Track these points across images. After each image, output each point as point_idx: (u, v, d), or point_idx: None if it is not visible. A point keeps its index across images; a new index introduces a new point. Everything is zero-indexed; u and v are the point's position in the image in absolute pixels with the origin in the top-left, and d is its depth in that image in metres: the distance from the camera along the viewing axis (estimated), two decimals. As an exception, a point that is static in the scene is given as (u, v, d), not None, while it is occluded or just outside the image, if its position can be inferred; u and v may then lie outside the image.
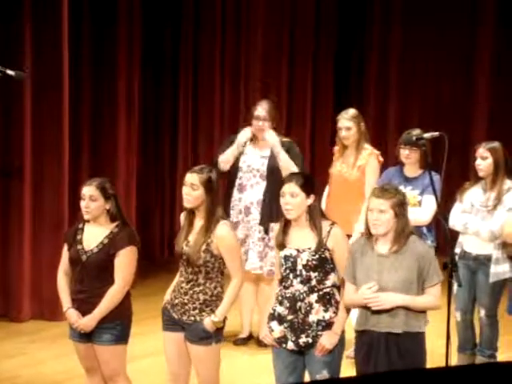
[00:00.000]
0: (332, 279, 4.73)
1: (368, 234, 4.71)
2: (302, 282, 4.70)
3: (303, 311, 4.70)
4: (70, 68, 7.46)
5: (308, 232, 4.73)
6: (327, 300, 4.71)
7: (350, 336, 6.61)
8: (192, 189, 4.83)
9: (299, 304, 4.71)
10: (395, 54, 10.38)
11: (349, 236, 6.48)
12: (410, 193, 6.25)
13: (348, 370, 6.31)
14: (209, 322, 4.83)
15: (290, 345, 4.75)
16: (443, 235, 5.28)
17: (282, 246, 4.78)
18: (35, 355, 6.66)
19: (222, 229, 4.85)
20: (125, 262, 4.93)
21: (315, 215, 4.73)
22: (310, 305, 4.70)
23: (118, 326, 4.95)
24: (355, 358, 4.87)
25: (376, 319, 4.65)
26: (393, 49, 10.39)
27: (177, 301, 4.91)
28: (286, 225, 4.79)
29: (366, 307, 4.67)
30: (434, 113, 10.24)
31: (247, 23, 9.45)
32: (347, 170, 6.63)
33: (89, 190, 4.97)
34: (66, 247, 5.09)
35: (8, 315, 7.46)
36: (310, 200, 4.72)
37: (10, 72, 5.17)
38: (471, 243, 6.16)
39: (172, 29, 9.19)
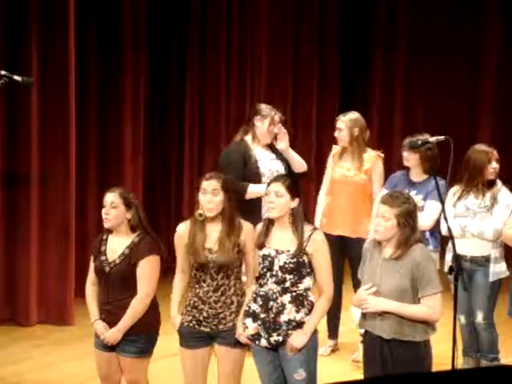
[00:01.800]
0: (307, 283, 4.76)
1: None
2: (276, 283, 4.73)
3: (274, 311, 4.72)
4: (76, 72, 7.48)
5: (289, 234, 4.76)
6: (300, 301, 4.73)
7: (356, 339, 6.66)
8: (213, 195, 4.84)
9: (271, 303, 4.73)
10: (401, 60, 10.39)
11: (356, 239, 6.55)
12: (414, 197, 6.28)
13: (353, 373, 6.35)
14: None
15: (263, 342, 4.77)
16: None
17: (261, 245, 4.81)
18: (42, 360, 6.65)
19: (247, 224, 4.92)
20: (146, 271, 4.90)
21: (298, 218, 4.75)
22: (283, 305, 4.72)
23: (142, 338, 4.92)
24: (364, 357, 4.88)
25: (371, 321, 4.68)
26: (398, 54, 10.40)
27: (205, 313, 4.88)
28: (269, 225, 4.82)
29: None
30: (439, 118, 10.26)
31: (252, 30, 9.44)
32: (354, 174, 6.65)
33: (111, 197, 4.96)
34: (92, 258, 5.08)
35: (15, 319, 7.45)
36: (294, 203, 4.75)
37: (16, 77, 5.18)
38: (465, 246, 6.11)
39: (178, 31, 9.18)
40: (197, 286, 4.90)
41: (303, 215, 4.81)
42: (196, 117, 9.26)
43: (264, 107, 6.62)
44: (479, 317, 6.20)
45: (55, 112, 7.42)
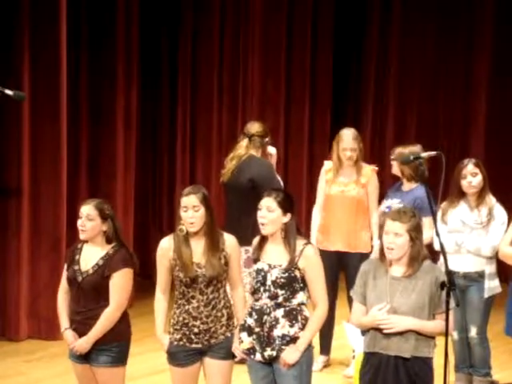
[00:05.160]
0: (300, 298, 4.75)
1: (381, 256, 4.71)
2: (269, 297, 4.74)
3: (268, 325, 4.73)
4: (67, 85, 7.47)
5: (282, 249, 4.77)
6: (293, 316, 4.73)
7: (348, 355, 6.65)
8: (194, 211, 4.83)
9: (265, 318, 4.74)
10: (393, 71, 10.41)
11: (354, 253, 6.57)
12: (394, 204, 6.43)
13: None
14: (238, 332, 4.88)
15: (258, 356, 4.77)
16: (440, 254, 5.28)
17: (256, 260, 4.83)
18: (32, 375, 6.63)
19: (230, 237, 4.91)
20: (119, 283, 4.91)
21: (290, 233, 4.75)
22: (276, 319, 4.72)
23: (114, 347, 4.93)
24: (361, 380, 4.82)
25: (386, 342, 4.62)
26: (390, 66, 10.42)
27: (196, 330, 4.86)
28: (263, 239, 4.83)
29: (375, 329, 4.64)
30: (430, 130, 10.30)
31: (244, 40, 9.44)
32: (353, 189, 6.66)
33: (86, 209, 4.97)
34: (65, 267, 5.08)
35: (5, 334, 7.43)
36: (287, 218, 4.75)
37: (8, 92, 5.17)
38: (459, 262, 6.13)
39: (169, 44, 9.20)
40: (185, 302, 4.87)
41: (296, 230, 4.80)
42: (188, 130, 9.27)
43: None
44: (473, 332, 6.20)
45: (46, 126, 7.40)
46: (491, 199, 6.21)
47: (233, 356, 4.92)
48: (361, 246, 6.63)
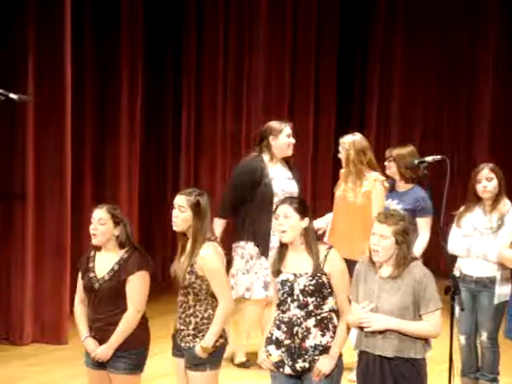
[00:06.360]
0: (330, 304, 4.71)
1: (371, 257, 4.70)
2: (299, 307, 4.68)
3: (300, 336, 4.68)
4: (72, 90, 7.47)
5: (305, 256, 4.71)
6: (325, 325, 4.68)
7: (352, 359, 6.62)
8: (180, 211, 4.82)
9: (296, 329, 4.68)
10: (397, 75, 10.42)
11: (351, 260, 6.54)
12: (396, 207, 6.45)
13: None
14: (199, 348, 4.77)
15: (287, 369, 4.72)
16: (445, 259, 5.27)
17: (278, 272, 4.76)
18: (36, 379, 6.62)
19: (205, 250, 4.78)
20: (136, 287, 4.89)
21: (311, 238, 4.71)
22: (308, 330, 4.67)
23: (133, 355, 4.90)
24: (357, 380, 4.85)
25: (370, 340, 4.64)
26: (394, 69, 10.44)
27: (177, 327, 4.89)
28: (282, 250, 4.78)
29: (360, 328, 4.66)
30: (435, 132, 10.31)
31: (249, 40, 9.47)
32: (351, 195, 6.65)
33: (99, 213, 4.95)
34: (80, 275, 5.06)
35: (9, 338, 7.43)
36: (305, 223, 4.70)
37: (12, 96, 5.17)
38: (471, 266, 6.13)
39: (174, 45, 9.23)
40: None
41: (314, 234, 4.77)
42: (192, 131, 9.29)
43: (274, 124, 6.74)
44: (484, 336, 6.17)
45: (51, 129, 7.40)
46: (506, 204, 6.15)
47: (210, 366, 4.80)
48: (355, 255, 6.56)
